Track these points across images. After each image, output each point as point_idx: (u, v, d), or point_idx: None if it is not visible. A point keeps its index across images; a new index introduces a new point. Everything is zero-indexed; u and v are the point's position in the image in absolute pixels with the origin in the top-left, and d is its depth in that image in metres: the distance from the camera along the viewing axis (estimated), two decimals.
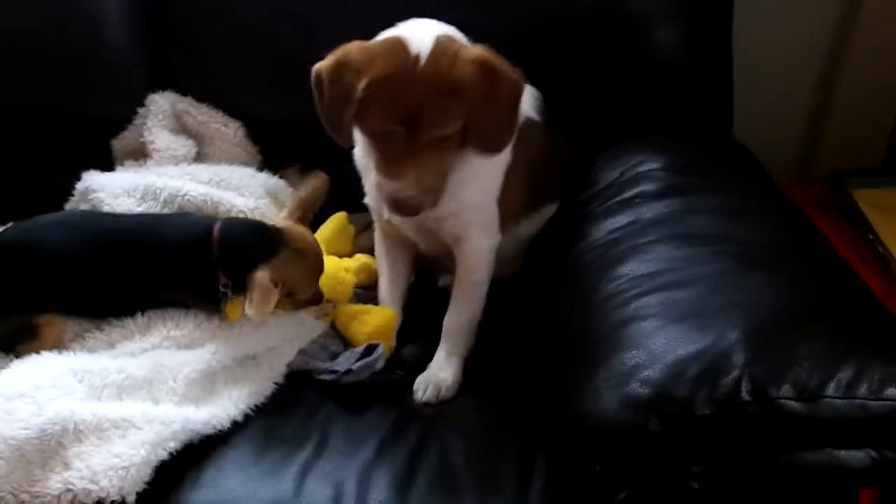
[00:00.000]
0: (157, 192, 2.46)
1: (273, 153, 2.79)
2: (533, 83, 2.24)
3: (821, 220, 2.26)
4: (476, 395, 2.18)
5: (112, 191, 2.47)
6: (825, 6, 2.98)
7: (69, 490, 1.76)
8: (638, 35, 2.56)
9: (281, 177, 2.72)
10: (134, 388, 2.01)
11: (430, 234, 2.33)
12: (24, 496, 1.77)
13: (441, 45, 1.99)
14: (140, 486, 1.79)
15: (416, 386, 2.20)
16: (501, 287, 2.35)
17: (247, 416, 2.04)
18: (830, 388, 1.55)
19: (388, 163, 2.03)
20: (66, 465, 1.80)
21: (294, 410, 2.09)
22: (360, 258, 2.54)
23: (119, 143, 2.78)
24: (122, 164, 2.73)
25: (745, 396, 1.57)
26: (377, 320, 2.29)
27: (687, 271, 1.88)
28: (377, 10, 2.26)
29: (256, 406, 2.07)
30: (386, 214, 2.26)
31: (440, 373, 2.21)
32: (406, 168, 1.99)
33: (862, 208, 2.75)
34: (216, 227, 2.19)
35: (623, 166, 2.35)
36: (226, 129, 2.75)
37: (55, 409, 1.85)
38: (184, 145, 2.72)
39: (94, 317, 2.24)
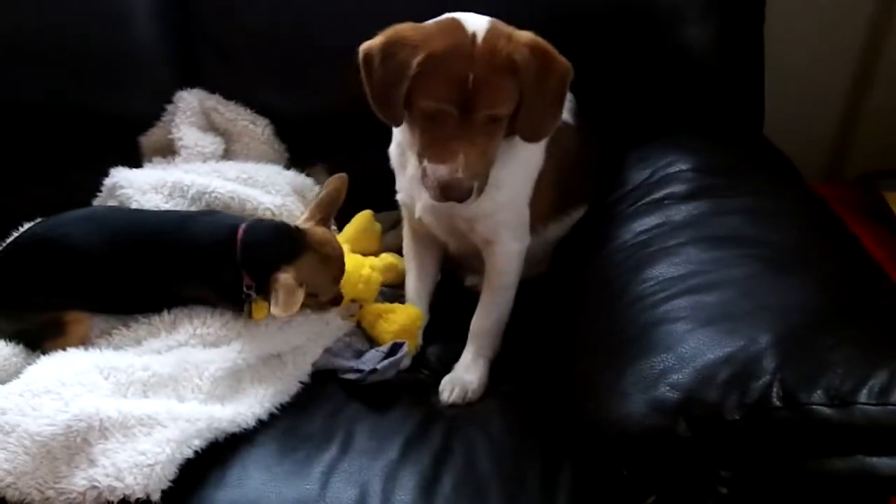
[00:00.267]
0: (185, 188, 2.47)
1: (300, 151, 2.79)
2: None
3: (852, 221, 2.23)
4: (502, 397, 2.17)
5: (140, 187, 2.48)
6: (859, 8, 2.95)
7: (94, 487, 1.77)
8: (669, 33, 2.55)
9: (308, 175, 2.71)
10: (159, 385, 2.02)
11: (461, 236, 2.32)
12: (50, 492, 1.77)
13: (496, 27, 2.01)
14: (165, 484, 1.79)
15: (442, 387, 2.19)
16: (528, 288, 2.35)
17: (272, 415, 2.04)
18: (863, 395, 1.53)
19: (438, 145, 2.01)
20: (92, 462, 1.81)
21: (319, 409, 2.09)
22: (386, 257, 2.53)
23: (147, 140, 2.78)
24: (149, 161, 2.73)
25: (776, 402, 1.56)
26: (403, 319, 2.28)
27: (716, 274, 1.87)
28: (404, 4, 2.25)
29: (281, 405, 2.07)
30: (418, 212, 2.27)
31: (466, 375, 2.20)
32: (456, 151, 1.98)
33: (894, 210, 2.72)
34: (241, 229, 2.18)
35: (652, 167, 2.34)
36: (253, 126, 2.75)
37: (81, 406, 1.85)
38: (212, 142, 2.72)
39: (120, 313, 2.24)
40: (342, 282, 2.27)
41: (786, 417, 1.55)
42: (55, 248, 2.18)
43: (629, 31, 2.53)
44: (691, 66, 2.56)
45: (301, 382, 2.15)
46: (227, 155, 2.76)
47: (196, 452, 1.87)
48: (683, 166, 2.29)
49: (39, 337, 2.14)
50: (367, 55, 2.03)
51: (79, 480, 1.78)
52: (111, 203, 2.51)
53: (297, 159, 2.79)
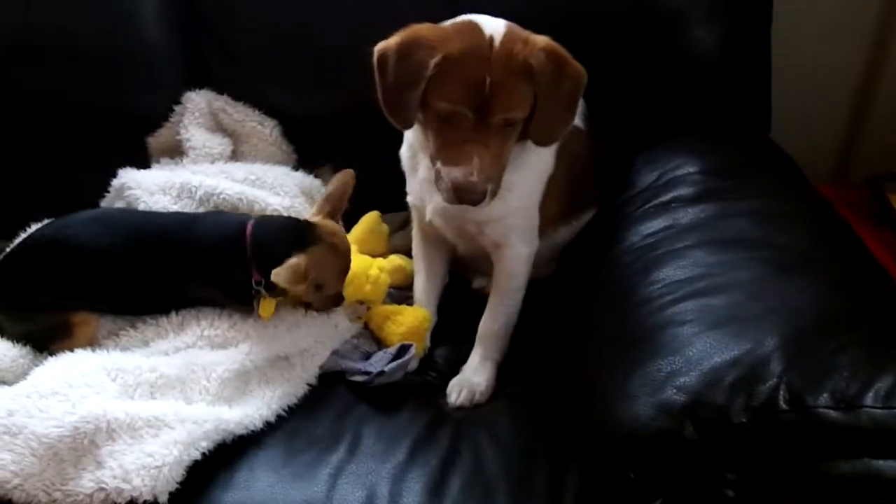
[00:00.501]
0: (193, 189, 2.47)
1: (308, 152, 2.79)
2: None
3: (858, 224, 2.24)
4: (509, 400, 2.17)
5: (148, 188, 2.48)
6: (865, 10, 2.95)
7: (101, 489, 1.77)
8: (675, 34, 2.55)
9: (316, 176, 2.72)
10: (167, 387, 2.02)
11: (470, 238, 2.33)
12: (57, 494, 1.78)
13: (512, 30, 2.01)
14: (172, 486, 1.79)
15: (449, 389, 2.19)
16: (536, 290, 2.35)
17: (279, 417, 2.04)
18: (869, 398, 1.54)
19: (452, 148, 2.01)
20: (99, 464, 1.81)
21: (326, 411, 2.09)
22: (394, 259, 2.54)
23: (155, 141, 2.78)
24: (157, 162, 2.74)
25: (783, 405, 1.56)
26: (410, 321, 2.29)
27: (723, 277, 1.87)
28: (412, 5, 2.26)
29: (289, 407, 2.08)
30: (428, 215, 2.27)
31: (474, 377, 2.20)
32: (471, 154, 1.98)
33: None
34: (250, 225, 2.19)
35: (660, 169, 2.35)
36: (261, 127, 2.76)
37: (88, 408, 1.85)
38: (220, 143, 2.73)
39: (128, 315, 2.24)
40: (348, 281, 2.27)
41: (792, 420, 1.55)
42: (63, 250, 2.18)
43: (635, 34, 2.54)
44: (698, 67, 2.56)
45: (308, 384, 2.15)
46: (236, 156, 2.76)
47: (203, 454, 1.87)
48: (690, 169, 2.30)
49: (46, 338, 2.14)
50: (383, 55, 2.03)
51: (86, 482, 1.78)
52: (119, 204, 2.51)
53: (305, 160, 2.80)
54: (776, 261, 1.89)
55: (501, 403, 2.15)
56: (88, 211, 2.34)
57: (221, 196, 2.47)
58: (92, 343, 2.14)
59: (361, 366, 2.19)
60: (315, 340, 2.20)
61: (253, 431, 1.97)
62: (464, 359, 2.26)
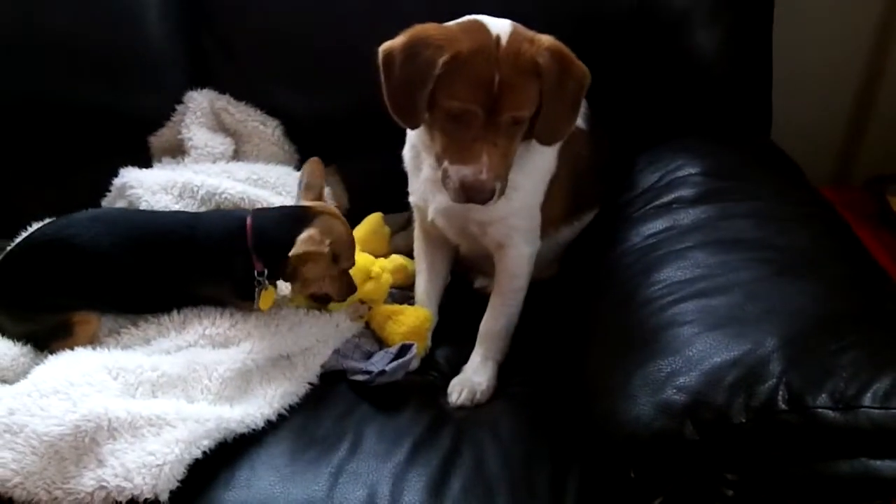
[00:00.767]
0: (195, 189, 2.48)
1: (310, 152, 2.78)
2: None
3: (858, 225, 2.24)
4: (510, 399, 2.17)
5: (149, 187, 2.48)
6: (866, 13, 2.95)
7: (103, 487, 1.77)
8: (677, 37, 2.56)
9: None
10: (168, 385, 2.02)
11: (472, 238, 2.33)
12: (58, 493, 1.78)
13: (517, 30, 2.02)
14: (173, 485, 1.80)
15: (450, 389, 2.19)
16: (538, 290, 2.35)
17: (281, 416, 2.04)
18: (867, 398, 1.54)
19: (461, 147, 2.01)
20: (100, 463, 1.81)
21: (328, 411, 2.09)
22: (396, 259, 2.54)
23: (157, 140, 2.78)
24: (159, 161, 2.74)
25: (782, 405, 1.57)
26: (412, 320, 2.29)
27: (724, 278, 1.88)
28: (416, 5, 2.26)
29: (290, 406, 2.08)
30: (431, 215, 2.28)
31: (475, 377, 2.20)
32: (479, 152, 1.98)
33: None
34: (249, 217, 2.19)
35: (661, 171, 2.35)
36: (263, 127, 2.76)
37: (89, 406, 1.86)
38: (222, 143, 2.73)
39: (129, 313, 2.25)
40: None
41: (791, 421, 1.56)
42: (64, 249, 2.17)
43: (637, 35, 2.55)
44: (699, 69, 2.57)
45: (310, 383, 2.15)
46: (237, 156, 2.77)
47: (205, 453, 1.87)
48: (692, 170, 2.30)
49: (48, 338, 2.14)
50: (388, 55, 2.02)
51: (87, 481, 1.78)
52: (120, 203, 2.52)
53: (306, 160, 2.78)
54: (777, 262, 1.90)
55: (502, 403, 2.16)
56: (89, 210, 2.33)
57: (223, 196, 2.48)
58: (93, 342, 2.14)
59: (363, 365, 2.19)
60: (317, 339, 2.20)
61: (254, 430, 1.97)
62: (465, 359, 2.26)
